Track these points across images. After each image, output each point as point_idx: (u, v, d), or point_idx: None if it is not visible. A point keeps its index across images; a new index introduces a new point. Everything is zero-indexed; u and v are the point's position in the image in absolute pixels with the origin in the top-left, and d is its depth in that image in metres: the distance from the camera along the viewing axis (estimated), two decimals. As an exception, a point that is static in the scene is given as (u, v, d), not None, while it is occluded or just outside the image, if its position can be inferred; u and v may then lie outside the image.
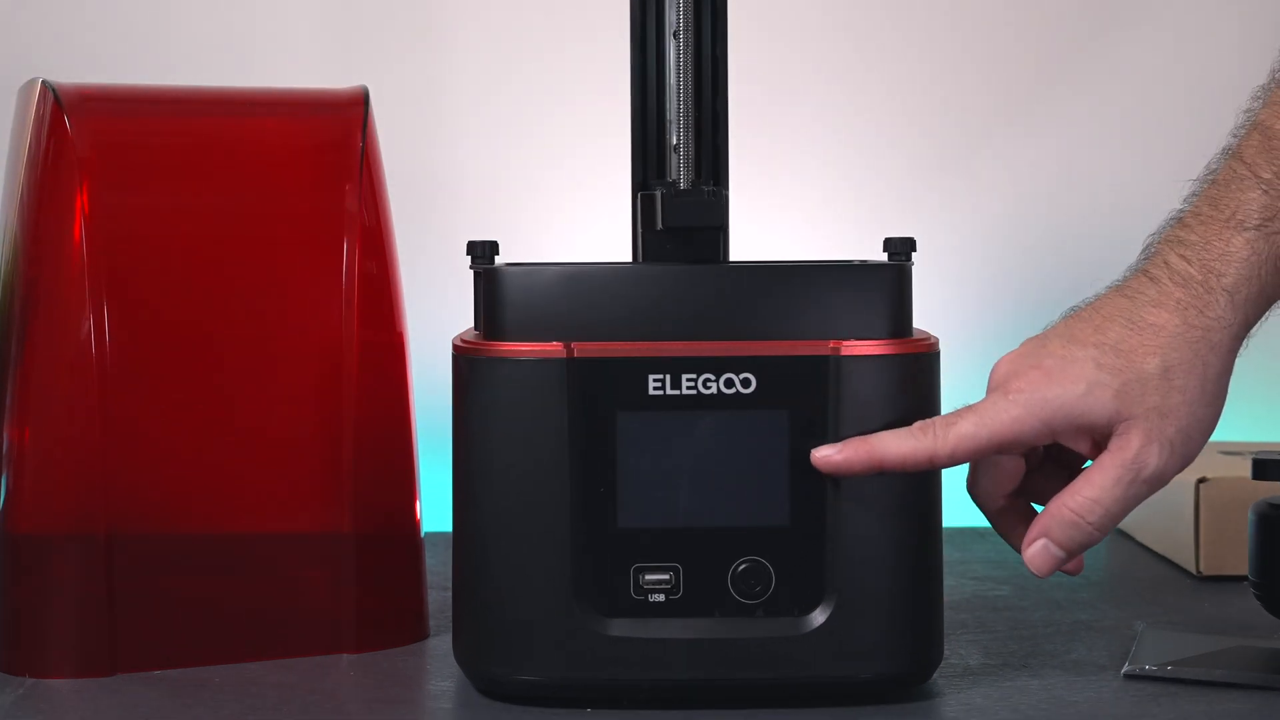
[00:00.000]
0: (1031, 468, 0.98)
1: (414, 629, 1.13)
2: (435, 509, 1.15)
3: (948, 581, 1.04)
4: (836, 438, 0.96)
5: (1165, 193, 1.60)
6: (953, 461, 0.94)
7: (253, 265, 1.08)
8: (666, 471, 0.97)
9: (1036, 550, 0.94)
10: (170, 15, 1.54)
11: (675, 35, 1.02)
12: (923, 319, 1.01)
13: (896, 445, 0.94)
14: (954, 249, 1.58)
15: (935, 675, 1.01)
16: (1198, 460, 1.36)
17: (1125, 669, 1.04)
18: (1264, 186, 0.93)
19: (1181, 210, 0.96)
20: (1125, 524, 1.48)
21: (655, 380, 0.97)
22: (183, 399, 1.06)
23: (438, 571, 1.17)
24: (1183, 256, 0.94)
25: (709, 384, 0.97)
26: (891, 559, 0.97)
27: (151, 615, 1.06)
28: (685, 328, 0.97)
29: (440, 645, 1.11)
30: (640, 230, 1.03)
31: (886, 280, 0.98)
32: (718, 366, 0.97)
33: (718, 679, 0.97)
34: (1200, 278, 0.93)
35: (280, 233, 1.09)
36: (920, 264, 1.02)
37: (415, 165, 1.51)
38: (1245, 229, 0.93)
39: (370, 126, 1.11)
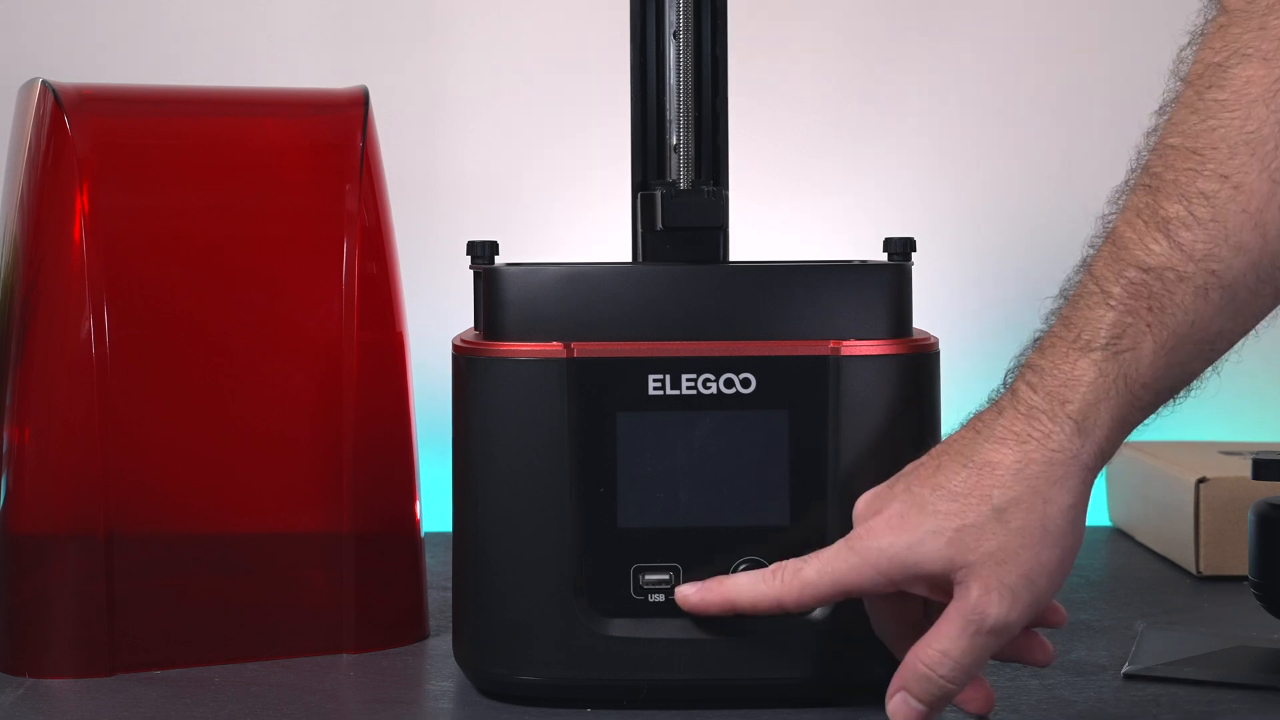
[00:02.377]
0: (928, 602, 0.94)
1: (414, 629, 1.13)
2: (435, 509, 1.15)
3: (948, 581, 1.04)
4: (837, 437, 0.96)
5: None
6: (801, 607, 0.92)
7: (253, 265, 1.08)
8: (666, 471, 0.97)
9: (897, 704, 0.90)
10: (170, 15, 1.54)
11: (675, 35, 1.02)
12: (923, 319, 1.01)
13: (749, 590, 0.93)
14: (954, 249, 1.58)
15: (935, 675, 1.01)
16: (1198, 460, 1.36)
17: (1125, 669, 1.04)
18: (1110, 303, 0.87)
19: (1041, 331, 0.91)
20: (1125, 524, 1.48)
21: (655, 380, 0.97)
22: (182, 399, 1.06)
23: (438, 571, 1.17)
24: (1029, 384, 0.88)
25: (709, 384, 0.97)
26: (891, 559, 0.97)
27: (151, 615, 1.06)
28: (685, 328, 0.97)
29: (440, 645, 1.11)
30: (640, 230, 1.03)
31: (886, 280, 0.98)
32: (718, 366, 0.97)
33: (718, 679, 0.97)
34: (1045, 406, 0.87)
35: (280, 233, 1.09)
36: (920, 264, 1.02)
37: (415, 165, 1.51)
38: (1091, 350, 0.87)
39: (370, 126, 1.11)
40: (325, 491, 1.09)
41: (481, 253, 1.01)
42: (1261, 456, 1.07)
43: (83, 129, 1.06)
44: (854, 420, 0.97)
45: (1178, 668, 1.03)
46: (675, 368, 0.97)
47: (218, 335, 1.07)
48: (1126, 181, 0.91)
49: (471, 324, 1.03)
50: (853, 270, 0.99)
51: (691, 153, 1.02)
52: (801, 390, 0.97)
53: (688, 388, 0.97)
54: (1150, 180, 0.88)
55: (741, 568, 0.97)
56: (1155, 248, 0.87)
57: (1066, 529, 0.88)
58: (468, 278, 1.02)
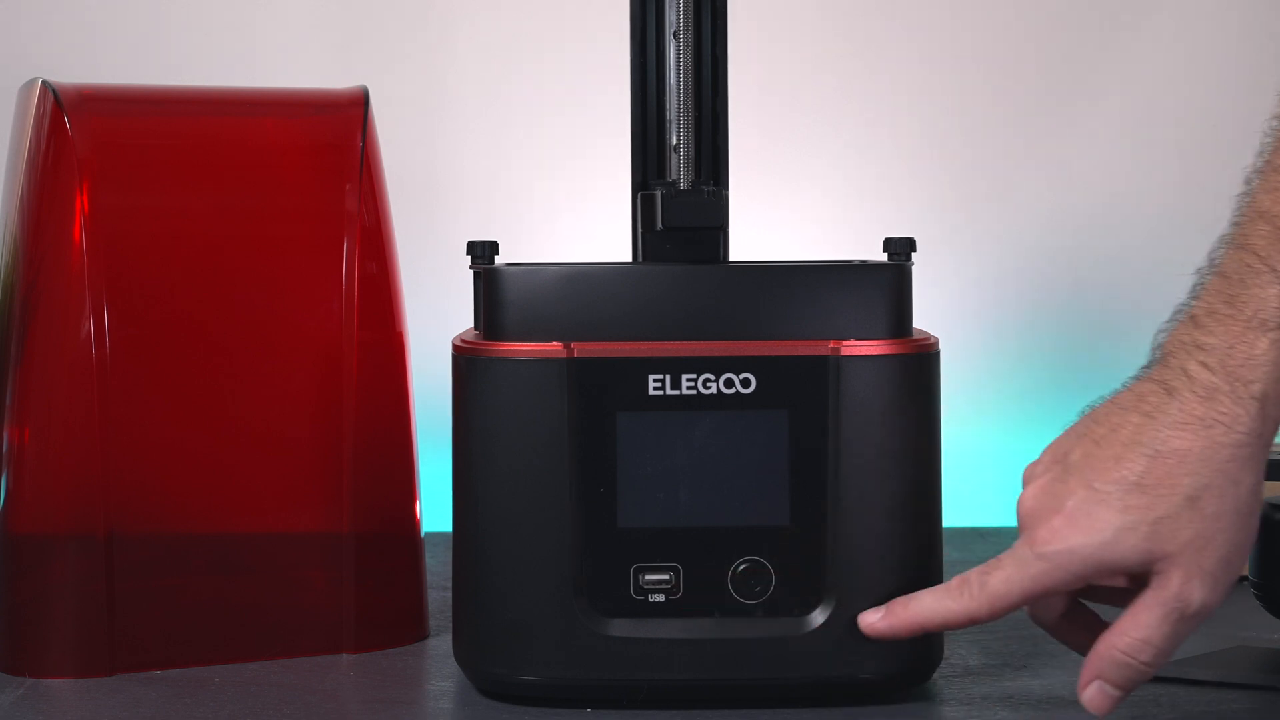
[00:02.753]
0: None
1: (414, 629, 1.13)
2: (435, 509, 1.15)
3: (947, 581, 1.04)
4: (836, 438, 0.96)
5: (1164, 193, 1.61)
6: (992, 618, 0.92)
7: (252, 265, 1.08)
8: (666, 471, 0.97)
9: (1093, 693, 0.90)
10: (170, 15, 1.54)
11: (675, 35, 1.02)
12: (923, 319, 1.01)
13: (938, 608, 0.93)
14: (954, 249, 1.58)
15: (935, 675, 1.01)
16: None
17: (1125, 669, 1.04)
18: None
19: (1189, 305, 0.89)
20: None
21: (655, 380, 0.97)
22: (182, 399, 1.06)
23: (438, 571, 1.17)
24: (1204, 364, 0.87)
25: (709, 384, 0.97)
26: (891, 559, 0.97)
27: (151, 615, 1.06)
28: (685, 328, 0.97)
29: (440, 645, 1.11)
30: (640, 230, 1.03)
31: (886, 280, 0.98)
32: (718, 366, 0.97)
33: (718, 679, 0.97)
34: (1226, 387, 0.87)
35: (280, 233, 1.10)
36: (920, 264, 1.02)
37: (415, 165, 1.51)
38: (1269, 329, 0.86)
39: (370, 126, 1.11)
40: (325, 491, 1.09)
41: (481, 253, 1.01)
42: (1262, 456, 1.07)
43: (83, 129, 1.06)
44: (854, 420, 0.97)
45: (1178, 668, 1.03)
46: (675, 368, 0.97)
47: (218, 335, 1.07)
48: (1262, 161, 0.89)
49: (471, 324, 1.03)
50: (853, 270, 0.99)
51: (691, 153, 1.02)
52: (801, 390, 0.97)
53: (688, 388, 0.97)
54: None
55: (742, 568, 0.97)
56: None
57: (1253, 509, 0.88)
58: (468, 278, 1.02)
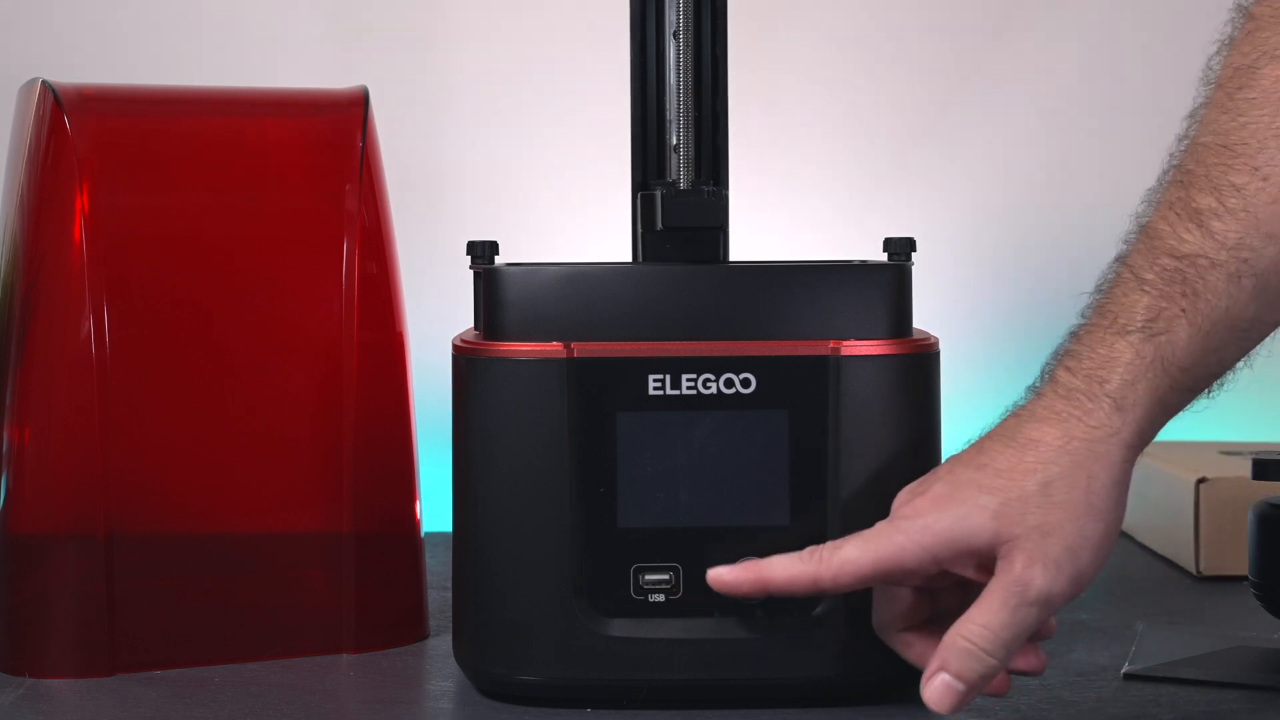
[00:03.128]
0: (940, 597, 0.95)
1: (414, 629, 1.13)
2: (435, 509, 1.15)
3: (948, 581, 1.04)
4: (836, 438, 0.96)
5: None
6: (837, 586, 0.91)
7: (252, 265, 1.08)
8: (666, 471, 0.97)
9: (937, 686, 0.89)
10: (170, 15, 1.54)
11: (675, 35, 1.02)
12: (923, 319, 1.01)
13: (784, 569, 0.92)
14: (954, 249, 1.58)
15: (935, 675, 1.01)
16: (1198, 460, 1.36)
17: (1125, 669, 1.04)
18: (1146, 288, 0.89)
19: (1076, 324, 0.93)
20: (1125, 524, 1.48)
21: (655, 380, 0.97)
22: (182, 399, 1.06)
23: (438, 571, 1.17)
24: (1068, 369, 0.90)
25: (709, 384, 0.97)
26: (891, 559, 0.97)
27: (151, 615, 1.06)
28: (685, 328, 0.97)
29: (440, 645, 1.11)
30: (640, 230, 1.03)
31: (886, 280, 0.98)
32: (718, 366, 0.97)
33: (718, 679, 0.97)
34: (1084, 387, 0.89)
35: (280, 233, 1.09)
36: (920, 264, 1.02)
37: (415, 165, 1.51)
38: (1128, 332, 0.89)
39: (370, 126, 1.11)
40: (325, 491, 1.09)
41: (481, 253, 1.01)
42: (1261, 456, 1.07)
43: (83, 129, 1.06)
44: (854, 420, 0.97)
45: (1178, 668, 1.03)
46: (675, 368, 0.97)
47: (218, 335, 1.07)
48: (1159, 182, 0.93)
49: (471, 324, 1.03)
50: (853, 270, 0.99)
51: (691, 153, 1.02)
52: (801, 390, 0.97)
53: (688, 388, 0.97)
54: (1182, 176, 0.91)
55: (741, 568, 0.97)
56: (1188, 237, 0.89)
57: (1110, 504, 0.89)
58: (468, 278, 1.02)
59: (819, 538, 0.96)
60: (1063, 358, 0.91)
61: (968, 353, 1.54)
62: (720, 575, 0.94)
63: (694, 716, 0.96)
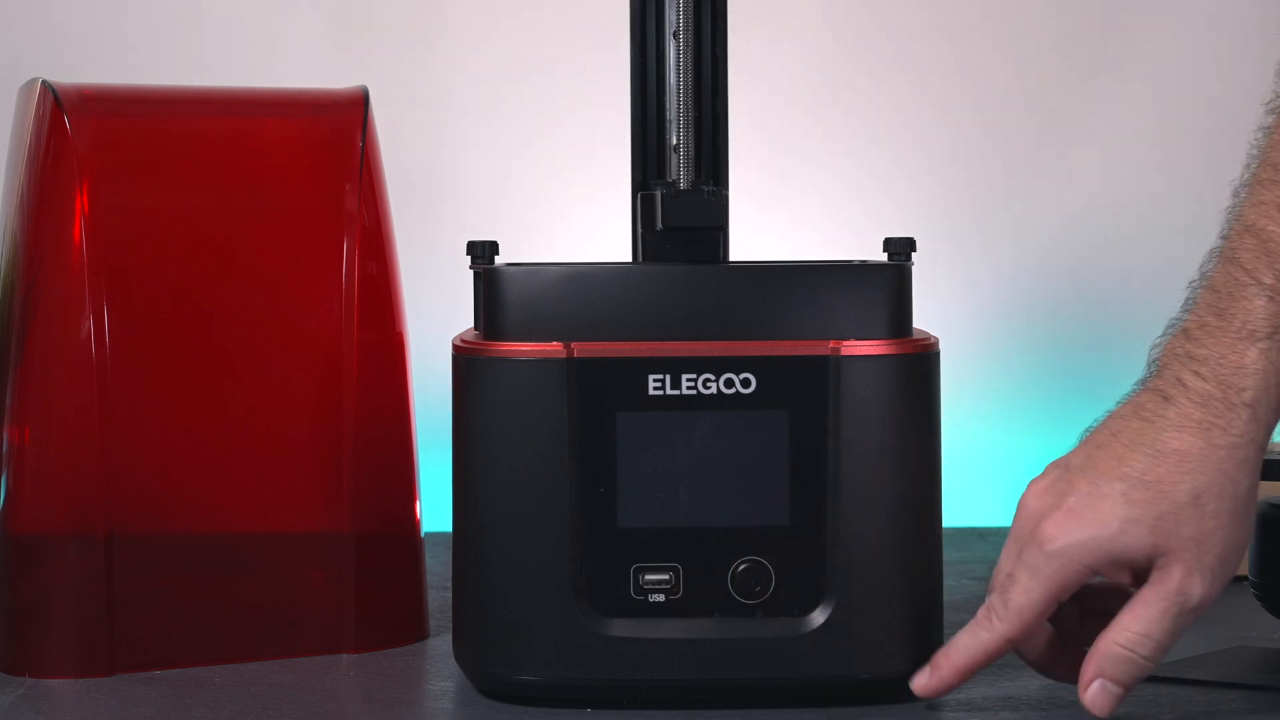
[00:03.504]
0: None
1: (414, 629, 1.13)
2: (435, 509, 1.15)
3: (948, 581, 1.04)
4: (836, 438, 0.96)
5: (1164, 194, 1.61)
6: (1027, 632, 0.93)
7: (252, 265, 1.08)
8: (666, 471, 0.97)
9: (1095, 692, 0.92)
10: (170, 15, 1.54)
11: (675, 35, 1.02)
12: (923, 319, 1.01)
13: (975, 645, 0.94)
14: (954, 249, 1.58)
15: (935, 675, 1.01)
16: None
17: (1125, 669, 1.04)
18: (1268, 294, 0.90)
19: (1181, 318, 0.94)
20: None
21: (655, 380, 0.97)
22: (182, 399, 1.06)
23: (438, 571, 1.17)
24: (1197, 373, 0.91)
25: (709, 384, 0.97)
26: (891, 559, 0.97)
27: (151, 615, 1.06)
28: (685, 328, 0.97)
29: (440, 645, 1.11)
30: (640, 230, 1.03)
31: (886, 280, 0.98)
32: (718, 366, 0.97)
33: (718, 679, 0.97)
34: (1220, 394, 0.91)
35: (280, 233, 1.10)
36: (920, 264, 1.02)
37: (415, 165, 1.51)
38: (1257, 340, 0.90)
39: (370, 126, 1.11)
40: (325, 491, 1.09)
41: (481, 253, 1.01)
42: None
43: (83, 129, 1.06)
44: (854, 420, 0.97)
45: (1178, 668, 1.03)
46: (675, 368, 0.97)
47: (218, 335, 1.07)
48: (1249, 175, 0.93)
49: (471, 324, 1.03)
50: (853, 270, 0.99)
51: (691, 153, 1.02)
52: (801, 390, 0.97)
53: (688, 388, 0.97)
54: None
55: (742, 568, 0.97)
56: None
57: (1249, 509, 0.92)
58: (468, 278, 1.02)
59: (819, 538, 0.96)
60: (1186, 360, 0.92)
61: (968, 353, 1.55)
62: (926, 685, 0.95)
63: (694, 716, 0.96)
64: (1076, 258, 1.59)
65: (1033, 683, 1.02)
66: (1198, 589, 0.91)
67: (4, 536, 1.06)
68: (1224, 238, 0.93)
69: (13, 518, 1.06)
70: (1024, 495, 0.94)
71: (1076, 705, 0.98)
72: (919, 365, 0.98)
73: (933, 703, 0.98)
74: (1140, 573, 0.92)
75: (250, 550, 1.08)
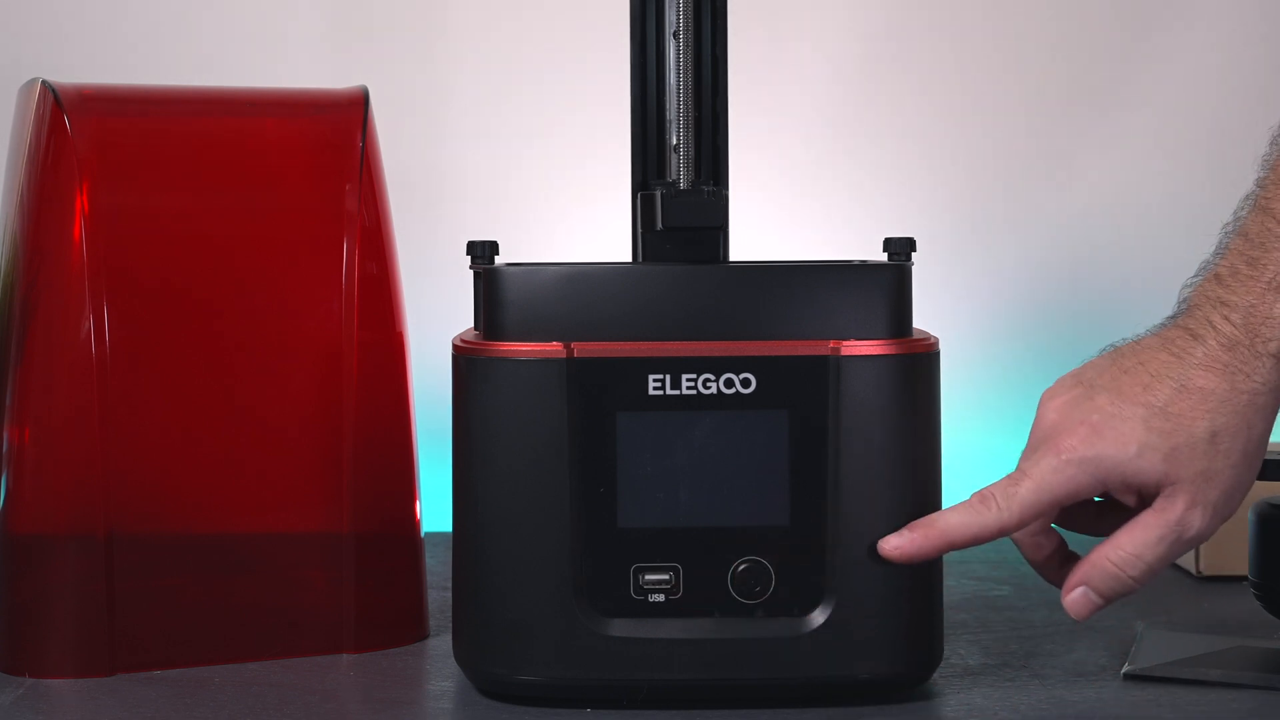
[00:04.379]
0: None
1: (414, 629, 1.13)
2: (435, 509, 1.15)
3: (948, 581, 1.04)
4: (836, 438, 0.96)
5: (1165, 193, 1.61)
6: (1022, 526, 0.95)
7: (252, 265, 1.08)
8: (666, 471, 0.97)
9: (1077, 597, 0.96)
10: (170, 15, 1.54)
11: (675, 35, 1.02)
12: (923, 319, 1.01)
13: (964, 522, 0.95)
14: (954, 249, 1.58)
15: (935, 675, 1.01)
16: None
17: (1125, 669, 1.04)
18: None
19: (1214, 262, 0.96)
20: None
21: (655, 380, 0.97)
22: (182, 399, 1.06)
23: (438, 571, 1.17)
24: (1227, 319, 0.94)
25: (709, 384, 0.97)
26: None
27: (151, 615, 1.06)
28: (685, 328, 0.97)
29: (440, 645, 1.11)
30: (640, 230, 1.03)
31: (886, 280, 0.98)
32: (718, 366, 0.97)
33: (718, 679, 0.97)
34: (1246, 342, 0.93)
35: (280, 233, 1.09)
36: (920, 264, 1.02)
37: (415, 165, 1.51)
38: None
39: (370, 126, 1.11)
40: (325, 491, 1.09)
41: (481, 253, 1.01)
42: (1261, 456, 1.07)
43: (83, 129, 1.06)
44: (854, 420, 0.97)
45: (1178, 668, 1.03)
46: (675, 368, 0.97)
47: (218, 335, 1.07)
48: None
49: (471, 324, 1.03)
50: (853, 270, 0.99)
51: (691, 153, 1.02)
52: (801, 390, 0.97)
53: (688, 388, 0.97)
54: None
55: (742, 568, 0.97)
56: None
57: (1260, 454, 0.95)
58: (468, 278, 1.02)
59: (819, 538, 0.96)
60: (1217, 305, 0.94)
61: (968, 353, 1.55)
62: (898, 546, 0.96)
63: (694, 716, 0.96)
64: (1076, 258, 1.59)
65: (1032, 682, 1.02)
66: (1197, 521, 0.94)
67: (4, 536, 1.06)
68: (1260, 185, 0.95)
69: (13, 518, 1.06)
70: (1042, 407, 0.97)
71: (1077, 706, 0.98)
72: (919, 365, 0.98)
73: (932, 702, 0.98)
74: (1146, 498, 0.94)
75: (250, 550, 1.08)
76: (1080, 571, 0.96)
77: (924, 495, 0.98)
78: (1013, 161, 1.60)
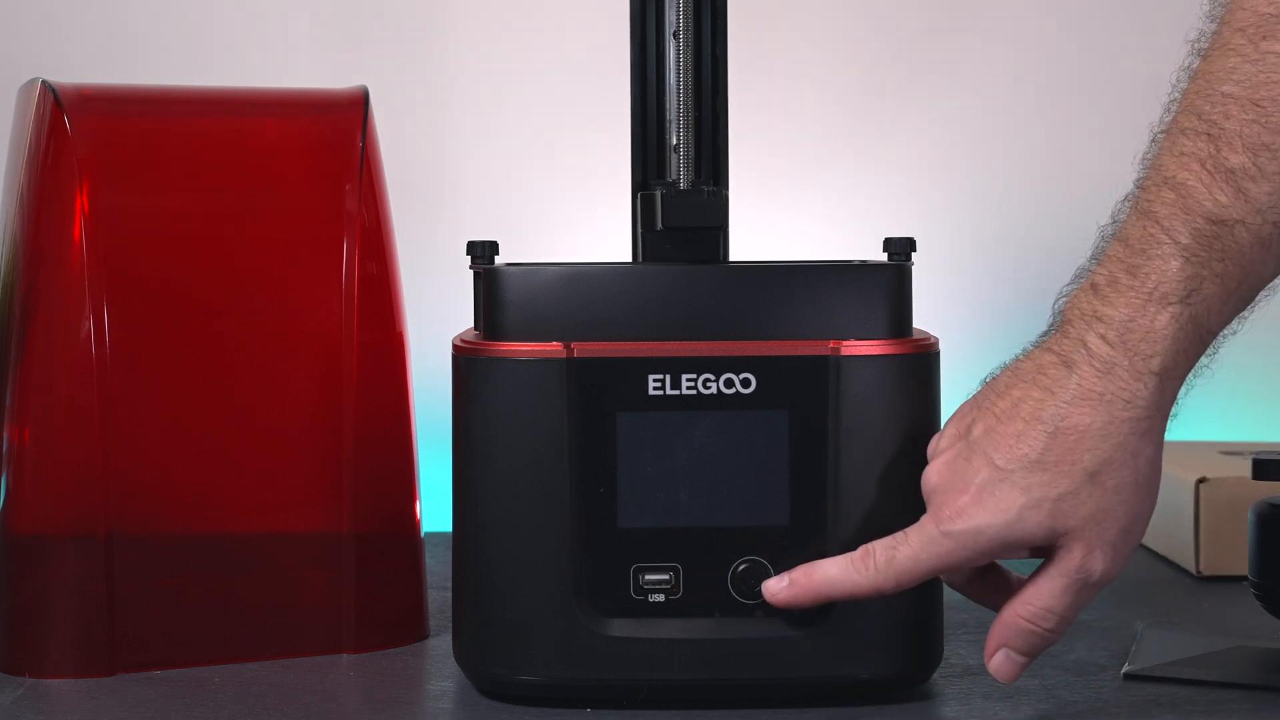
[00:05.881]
0: None
1: (414, 629, 1.13)
2: (435, 509, 1.15)
3: (948, 581, 1.04)
4: (836, 438, 0.96)
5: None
6: (899, 590, 0.93)
7: (252, 265, 1.08)
8: (666, 471, 0.97)
9: (1000, 661, 0.93)
10: (170, 15, 1.54)
11: (675, 35, 1.02)
12: (923, 319, 1.01)
13: (843, 579, 0.93)
14: (954, 249, 1.58)
15: (935, 675, 1.01)
16: (1198, 460, 1.36)
17: (1125, 669, 1.04)
18: (1184, 255, 0.87)
19: (1089, 269, 0.91)
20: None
21: (655, 380, 0.97)
22: (182, 399, 1.06)
23: (438, 571, 1.17)
24: (1102, 337, 0.88)
25: (709, 384, 0.97)
26: (891, 559, 0.97)
27: (151, 615, 1.06)
28: (685, 328, 0.97)
29: (440, 645, 1.11)
30: (640, 230, 1.03)
31: (886, 280, 0.98)
32: (718, 366, 0.97)
33: (718, 679, 0.97)
34: (1125, 362, 0.88)
35: (280, 233, 1.09)
36: (920, 264, 1.02)
37: (415, 165, 1.51)
38: (1169, 304, 0.87)
39: (370, 126, 1.11)
40: (325, 491, 1.09)
41: (481, 253, 1.01)
42: (1261, 456, 1.07)
43: (83, 129, 1.06)
44: (854, 420, 0.97)
45: (1178, 668, 1.03)
46: (675, 368, 0.97)
47: (217, 335, 1.07)
48: (1169, 119, 0.90)
49: (471, 324, 1.03)
50: (853, 270, 0.99)
51: (691, 153, 1.02)
52: (801, 390, 0.97)
53: (688, 388, 0.97)
54: (1207, 127, 0.88)
55: (742, 568, 0.97)
56: (1222, 198, 0.87)
57: (1153, 476, 0.90)
58: (468, 278, 1.02)
59: (819, 538, 0.96)
60: (1092, 321, 0.89)
61: (968, 353, 1.54)
62: (776, 594, 0.95)
63: (694, 716, 0.96)
64: (1077, 258, 1.59)
65: (1032, 682, 1.02)
66: (1099, 565, 0.90)
67: (4, 536, 1.06)
68: (1139, 186, 0.90)
69: (13, 518, 1.06)
70: (927, 469, 0.93)
71: (1077, 706, 0.98)
72: (919, 365, 0.98)
73: (932, 702, 0.98)
74: (1041, 551, 0.92)
75: (250, 550, 1.08)
76: (996, 634, 0.93)
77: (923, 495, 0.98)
78: (1013, 161, 1.60)
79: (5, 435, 1.06)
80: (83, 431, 1.04)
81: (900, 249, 1.00)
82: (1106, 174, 1.63)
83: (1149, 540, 1.41)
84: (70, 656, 1.05)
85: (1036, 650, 0.93)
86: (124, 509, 1.05)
